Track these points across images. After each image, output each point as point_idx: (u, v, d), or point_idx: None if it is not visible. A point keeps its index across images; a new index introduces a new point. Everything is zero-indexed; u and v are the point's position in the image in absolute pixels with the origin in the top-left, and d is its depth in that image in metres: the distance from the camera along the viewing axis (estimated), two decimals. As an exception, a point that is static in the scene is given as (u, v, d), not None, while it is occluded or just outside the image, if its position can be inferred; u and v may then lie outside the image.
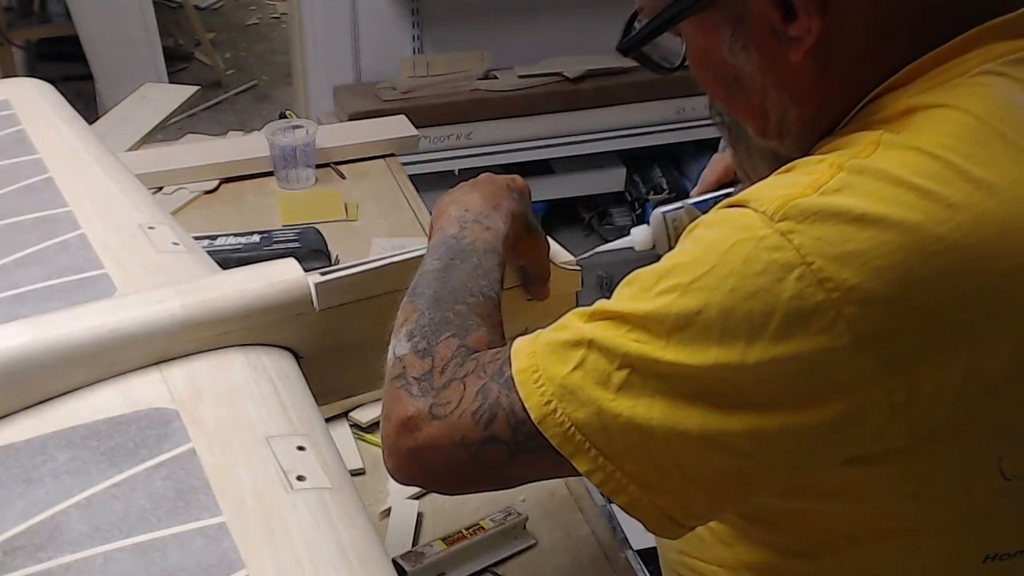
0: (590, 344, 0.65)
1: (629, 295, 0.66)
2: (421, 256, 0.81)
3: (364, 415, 1.24)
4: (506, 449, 0.68)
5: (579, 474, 0.66)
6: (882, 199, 0.61)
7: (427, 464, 0.70)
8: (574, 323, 0.68)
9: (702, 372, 0.62)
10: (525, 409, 0.66)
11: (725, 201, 0.67)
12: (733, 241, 0.63)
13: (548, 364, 0.67)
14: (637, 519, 0.67)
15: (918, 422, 0.62)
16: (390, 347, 0.76)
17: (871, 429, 0.63)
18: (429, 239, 0.86)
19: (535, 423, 0.66)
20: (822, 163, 0.65)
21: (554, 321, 0.71)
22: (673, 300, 0.63)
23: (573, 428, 0.65)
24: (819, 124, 0.73)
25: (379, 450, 1.21)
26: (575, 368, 0.65)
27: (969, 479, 0.68)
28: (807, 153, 0.71)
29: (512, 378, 0.68)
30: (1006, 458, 0.67)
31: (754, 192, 0.65)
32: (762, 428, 0.63)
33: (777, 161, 0.74)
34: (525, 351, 0.69)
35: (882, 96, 0.69)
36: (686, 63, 0.79)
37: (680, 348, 0.63)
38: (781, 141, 0.76)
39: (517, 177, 0.92)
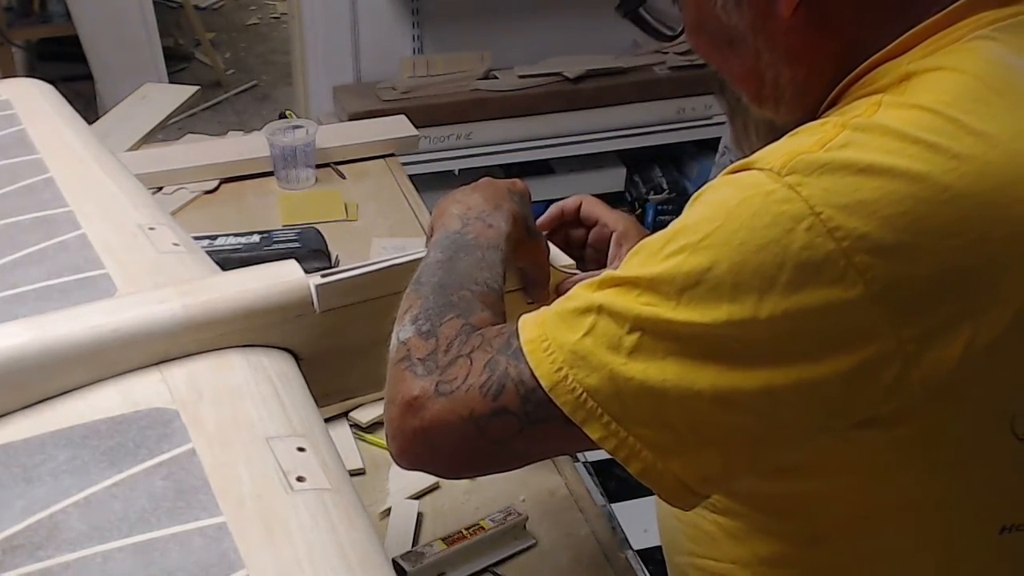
0: (599, 310, 0.65)
1: (638, 262, 0.66)
2: (421, 258, 0.82)
3: (364, 415, 1.24)
4: (516, 421, 0.67)
5: (591, 444, 0.66)
6: (888, 152, 0.62)
7: (434, 443, 0.70)
8: (582, 292, 0.67)
9: (714, 330, 0.62)
10: (535, 378, 0.66)
11: (729, 168, 0.67)
12: (741, 198, 0.63)
13: (558, 332, 0.66)
14: (651, 487, 0.67)
15: (930, 376, 0.62)
16: (393, 334, 0.75)
17: (884, 383, 0.62)
18: (429, 238, 0.86)
19: (546, 391, 0.66)
20: (825, 124, 0.66)
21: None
22: (682, 260, 0.63)
23: (585, 394, 0.65)
24: (811, 88, 0.74)
25: (379, 450, 1.21)
26: (585, 334, 0.65)
27: (981, 441, 0.68)
28: (802, 123, 0.71)
29: (520, 349, 0.67)
30: (1019, 417, 0.67)
31: (758, 155, 0.66)
32: (775, 384, 0.62)
33: (772, 133, 0.75)
34: (533, 322, 0.68)
35: (877, 67, 0.70)
36: (682, 32, 0.80)
37: (691, 307, 0.63)
38: (776, 107, 0.77)
39: (517, 181, 0.92)
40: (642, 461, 0.65)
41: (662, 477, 0.66)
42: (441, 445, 0.70)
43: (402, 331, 0.74)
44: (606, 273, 0.67)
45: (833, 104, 0.72)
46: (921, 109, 0.64)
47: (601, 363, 0.64)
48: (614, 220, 1.03)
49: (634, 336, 0.64)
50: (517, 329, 0.69)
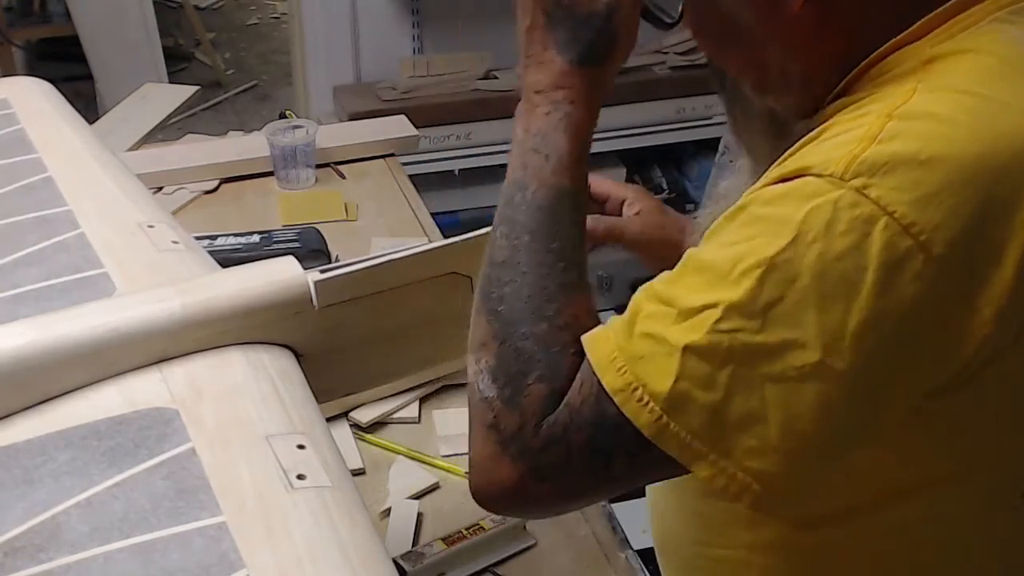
0: (685, 350, 0.64)
1: (706, 284, 0.65)
2: (420, 253, 0.81)
3: (364, 415, 1.24)
4: (625, 477, 0.69)
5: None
6: (938, 139, 0.63)
7: (535, 511, 0.74)
8: (657, 328, 0.66)
9: (806, 343, 0.62)
10: (639, 433, 0.65)
11: (773, 176, 0.67)
12: (808, 208, 0.63)
13: (649, 380, 0.65)
14: (758, 512, 0.69)
15: (998, 350, 0.65)
16: (470, 366, 0.72)
17: (962, 359, 0.64)
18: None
19: (650, 440, 0.65)
20: (866, 116, 0.66)
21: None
22: (760, 277, 0.63)
23: (689, 437, 0.65)
24: (819, 79, 0.73)
25: (379, 450, 1.21)
26: (677, 379, 0.64)
27: (1017, 410, 0.70)
28: (807, 113, 0.73)
29: (618, 411, 0.66)
30: None
31: (807, 159, 0.65)
32: (872, 383, 0.64)
33: (773, 123, 0.76)
34: (613, 368, 0.66)
35: (893, 53, 0.70)
36: (682, 19, 0.78)
37: (778, 326, 0.63)
38: (780, 97, 0.76)
39: None
40: (752, 494, 0.65)
41: (773, 504, 0.67)
42: (544, 511, 0.75)
43: (483, 383, 0.71)
44: (673, 294, 0.66)
45: (846, 91, 0.72)
46: (955, 91, 0.65)
47: (701, 406, 0.64)
48: (622, 191, 1.07)
49: (726, 371, 0.64)
50: (602, 385, 0.67)
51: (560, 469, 0.68)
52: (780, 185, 0.66)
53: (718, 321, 0.63)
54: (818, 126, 0.70)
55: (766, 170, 0.72)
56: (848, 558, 0.79)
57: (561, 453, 0.68)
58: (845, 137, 0.65)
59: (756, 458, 0.64)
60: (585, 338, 0.69)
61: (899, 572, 0.79)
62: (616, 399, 0.66)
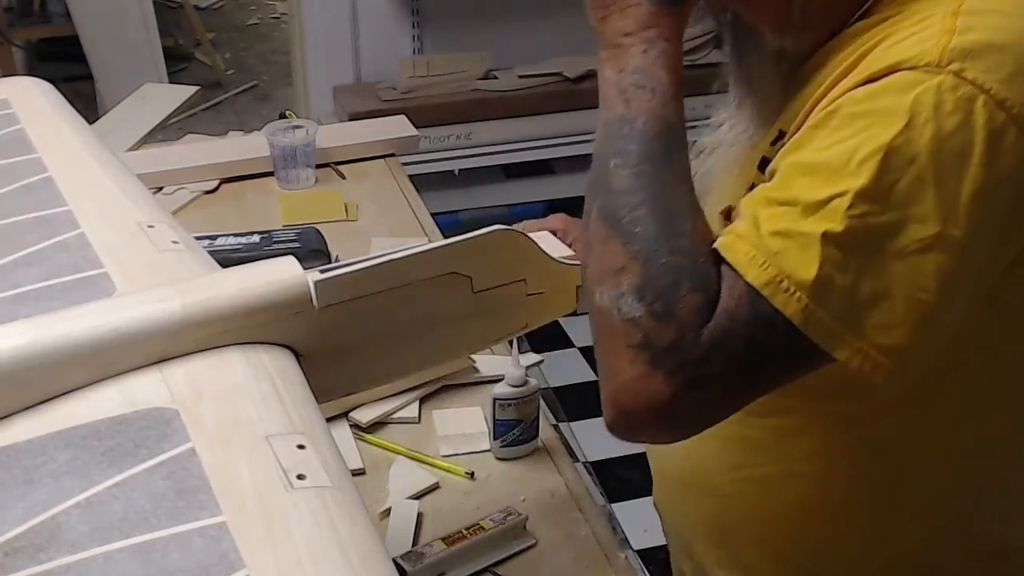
0: (824, 238, 0.69)
1: (823, 180, 0.70)
2: (420, 253, 0.81)
3: (364, 415, 1.24)
4: (777, 378, 0.75)
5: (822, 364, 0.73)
6: (1005, 29, 0.72)
7: (683, 427, 0.76)
8: (785, 225, 0.71)
9: (925, 218, 0.69)
10: (789, 324, 0.70)
11: (858, 77, 0.73)
12: (913, 96, 0.70)
13: (793, 271, 0.70)
14: (879, 382, 0.72)
15: None
16: (602, 294, 0.74)
17: None
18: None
19: (800, 329, 0.70)
20: (930, 19, 0.73)
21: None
22: (880, 161, 0.69)
23: (831, 321, 0.70)
24: (839, 8, 0.80)
25: (379, 450, 1.22)
26: (820, 266, 0.69)
27: None
28: (822, 43, 0.81)
29: (770, 306, 0.70)
30: None
31: (894, 58, 0.72)
32: (987, 247, 0.71)
33: (782, 61, 0.84)
34: (759, 268, 0.71)
35: None
36: None
37: (900, 204, 0.69)
38: (800, 33, 0.82)
39: None
40: (884, 370, 0.71)
41: (901, 377, 0.72)
42: (691, 427, 0.76)
43: (624, 302, 0.73)
44: (795, 192, 0.71)
45: (868, 14, 0.78)
46: None
47: (839, 289, 0.70)
48: (552, 223, 1.10)
49: (858, 253, 0.70)
50: (748, 282, 0.71)
51: (721, 375, 0.72)
52: (871, 85, 0.72)
53: (849, 207, 0.69)
54: (838, 52, 0.78)
55: (773, 110, 0.83)
56: (896, 450, 0.84)
57: (723, 358, 0.71)
58: (922, 35, 0.72)
59: (884, 334, 0.70)
60: (719, 244, 0.74)
61: (947, 455, 0.85)
62: (764, 292, 0.70)
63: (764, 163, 0.86)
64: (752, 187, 0.84)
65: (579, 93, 3.06)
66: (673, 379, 0.71)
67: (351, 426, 1.24)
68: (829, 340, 0.70)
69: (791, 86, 0.85)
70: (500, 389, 1.17)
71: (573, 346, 2.78)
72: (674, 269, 0.73)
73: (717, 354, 0.71)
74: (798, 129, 0.78)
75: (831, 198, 0.69)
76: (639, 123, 0.79)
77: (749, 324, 0.71)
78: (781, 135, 0.84)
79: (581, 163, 3.05)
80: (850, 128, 0.71)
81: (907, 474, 0.86)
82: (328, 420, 1.02)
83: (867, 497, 0.88)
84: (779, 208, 0.72)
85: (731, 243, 0.73)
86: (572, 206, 3.25)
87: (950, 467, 0.86)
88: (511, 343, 1.20)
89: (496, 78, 3.08)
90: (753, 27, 0.85)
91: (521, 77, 3.07)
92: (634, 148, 0.78)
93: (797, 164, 0.73)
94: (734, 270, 0.72)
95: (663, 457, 1.02)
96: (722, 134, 0.96)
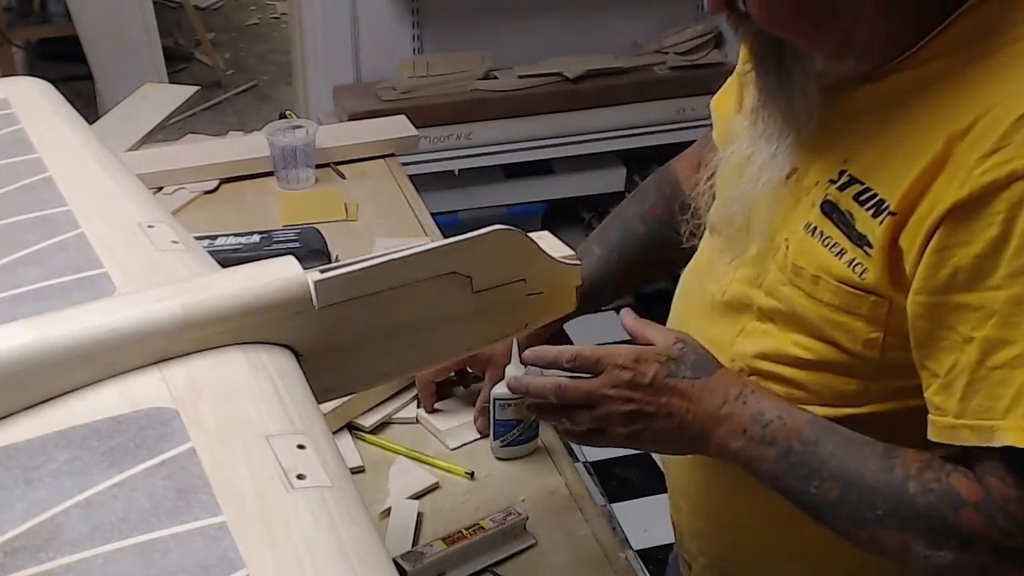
0: None
1: None
2: (420, 253, 0.81)
3: (367, 420, 1.24)
4: None
5: None
6: None
7: None
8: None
9: None
10: None
11: (983, 148, 0.75)
12: None
13: None
14: None
15: None
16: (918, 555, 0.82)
17: None
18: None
19: None
20: None
21: None
22: None
23: None
24: (905, 32, 0.81)
25: (379, 450, 1.21)
26: None
27: None
28: (875, 66, 0.83)
29: None
30: None
31: None
32: None
33: (820, 80, 0.85)
34: None
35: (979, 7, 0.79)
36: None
37: None
38: (860, 60, 0.84)
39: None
40: None
41: None
42: None
43: (933, 562, 0.82)
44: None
45: (941, 36, 0.81)
46: None
47: None
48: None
49: None
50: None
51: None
52: None
53: None
54: (920, 93, 0.81)
55: (798, 133, 0.85)
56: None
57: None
58: None
59: None
60: (1014, 440, 0.76)
61: None
62: None
63: (830, 206, 0.86)
64: (809, 227, 0.88)
65: (579, 93, 3.06)
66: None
67: (351, 428, 1.24)
68: None
69: (844, 115, 0.86)
70: (500, 389, 1.17)
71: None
72: (928, 510, 0.81)
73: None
74: (917, 196, 0.80)
75: None
76: (796, 444, 0.86)
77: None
78: (851, 178, 0.86)
79: (581, 163, 3.06)
80: None
81: None
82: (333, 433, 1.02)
83: None
84: None
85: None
86: (572, 206, 3.27)
87: None
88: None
89: (496, 78, 3.08)
90: (803, 52, 0.84)
91: (521, 77, 3.07)
92: (811, 465, 0.86)
93: (1007, 302, 0.75)
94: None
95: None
96: (738, 150, 0.96)
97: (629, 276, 1.22)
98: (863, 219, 0.83)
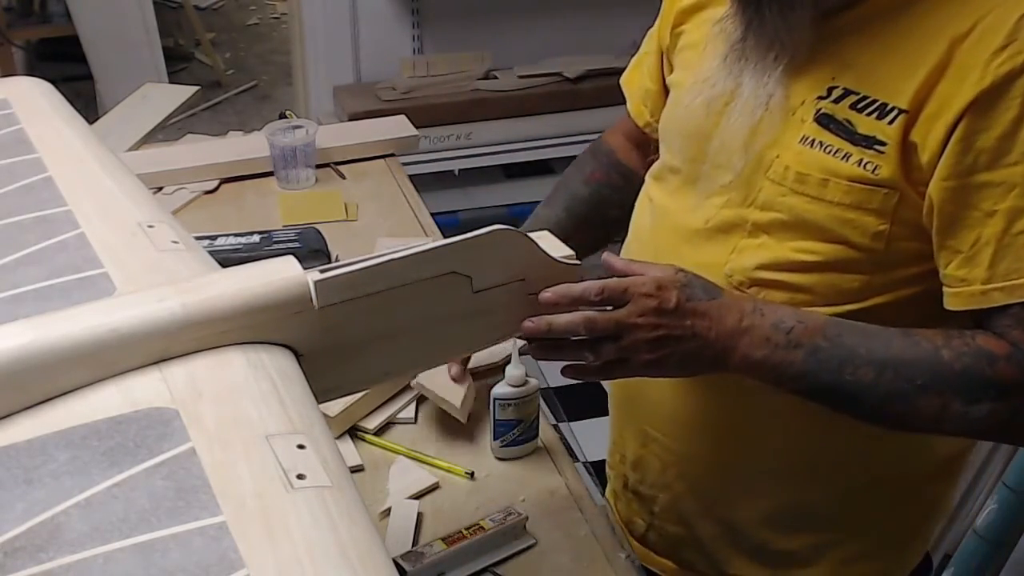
0: None
1: None
2: (420, 253, 0.81)
3: (370, 423, 1.23)
4: None
5: None
6: None
7: None
8: None
9: None
10: None
11: (993, 43, 0.85)
12: None
13: None
14: None
15: None
16: (954, 428, 0.91)
17: None
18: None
19: None
20: None
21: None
22: None
23: None
24: None
25: (379, 450, 1.21)
26: None
27: None
28: None
29: None
30: None
31: None
32: None
33: (815, 7, 0.92)
34: None
35: None
36: None
37: None
38: None
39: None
40: None
41: None
42: None
43: (973, 415, 0.89)
44: None
45: None
46: None
47: None
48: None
49: None
50: None
51: None
52: None
53: None
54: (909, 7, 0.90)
55: (812, 61, 0.93)
56: None
57: None
58: None
59: None
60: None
61: None
62: None
63: (826, 119, 0.93)
64: (806, 140, 0.94)
65: (579, 93, 3.06)
66: None
67: (352, 429, 1.23)
68: None
69: (833, 36, 0.94)
70: (500, 389, 1.17)
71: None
72: (966, 370, 0.89)
73: None
74: (925, 95, 0.88)
75: None
76: (822, 342, 0.92)
77: None
78: (846, 90, 0.93)
79: (581, 163, 2.95)
80: None
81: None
82: (336, 438, 1.02)
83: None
84: None
85: None
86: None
87: None
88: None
89: (496, 78, 3.08)
90: None
91: (521, 77, 3.07)
92: (841, 356, 0.91)
93: None
94: None
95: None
96: (706, 92, 1.03)
97: (580, 234, 1.23)
98: (865, 124, 0.92)
